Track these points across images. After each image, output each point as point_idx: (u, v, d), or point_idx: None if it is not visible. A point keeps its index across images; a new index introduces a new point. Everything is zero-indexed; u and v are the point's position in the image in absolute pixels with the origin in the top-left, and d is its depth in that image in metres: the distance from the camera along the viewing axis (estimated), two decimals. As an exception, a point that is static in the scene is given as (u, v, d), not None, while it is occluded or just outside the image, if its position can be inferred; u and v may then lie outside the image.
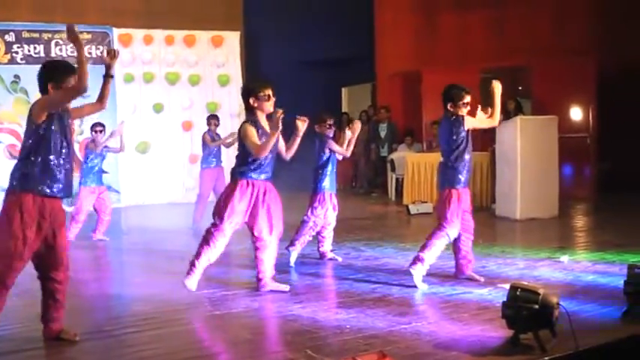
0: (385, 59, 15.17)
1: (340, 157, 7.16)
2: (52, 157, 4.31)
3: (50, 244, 4.40)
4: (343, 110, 17.85)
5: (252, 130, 5.48)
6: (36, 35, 13.68)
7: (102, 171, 9.23)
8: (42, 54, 13.60)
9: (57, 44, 13.79)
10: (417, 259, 5.82)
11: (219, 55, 14.82)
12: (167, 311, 5.27)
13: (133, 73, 14.16)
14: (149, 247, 8.69)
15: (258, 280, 5.73)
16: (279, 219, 5.69)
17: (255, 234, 5.62)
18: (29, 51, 13.57)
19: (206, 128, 10.46)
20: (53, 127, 4.33)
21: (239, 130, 5.65)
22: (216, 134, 10.37)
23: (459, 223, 5.86)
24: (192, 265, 5.59)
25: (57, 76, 4.42)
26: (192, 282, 5.57)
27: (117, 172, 13.73)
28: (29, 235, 4.23)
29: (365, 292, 5.71)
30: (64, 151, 4.38)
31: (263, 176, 5.60)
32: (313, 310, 5.14)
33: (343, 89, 18.35)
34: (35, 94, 13.68)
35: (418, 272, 5.77)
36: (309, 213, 6.99)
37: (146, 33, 14.38)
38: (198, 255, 5.59)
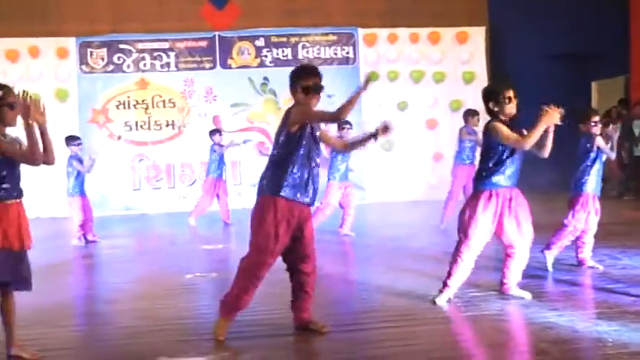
0: (640, 50, 14.15)
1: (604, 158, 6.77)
2: (302, 168, 4.58)
3: (298, 238, 4.67)
4: (593, 106, 16.92)
5: (501, 126, 5.25)
6: (284, 39, 14.59)
7: (347, 168, 9.61)
8: (289, 57, 14.47)
9: (304, 47, 14.56)
10: None
11: (463, 52, 14.74)
12: (421, 309, 5.35)
13: (378, 72, 14.49)
14: (395, 244, 8.87)
15: (502, 284, 5.63)
16: (529, 225, 5.46)
17: (505, 243, 5.49)
18: (277, 54, 14.52)
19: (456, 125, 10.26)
20: (305, 137, 4.59)
21: (486, 130, 5.41)
22: (473, 130, 9.89)
23: None
24: (445, 284, 5.46)
25: (295, 80, 4.70)
26: (443, 300, 5.45)
27: (361, 170, 14.17)
28: (281, 234, 4.54)
29: (625, 304, 5.36)
30: (314, 162, 4.63)
31: (507, 183, 5.35)
32: (570, 319, 4.94)
33: (593, 83, 17.40)
34: (283, 95, 14.71)
35: None
36: (569, 216, 6.65)
37: (391, 32, 14.68)
38: (449, 274, 5.45)
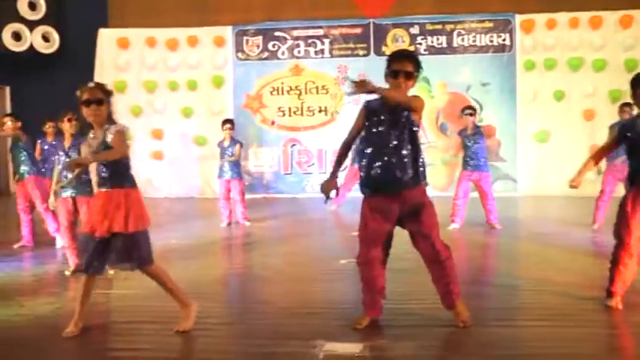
0: None
1: None
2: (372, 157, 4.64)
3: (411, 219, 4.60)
4: None
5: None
6: (439, 27, 14.44)
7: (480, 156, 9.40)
8: (444, 44, 14.29)
9: (459, 34, 14.33)
10: None
11: (627, 37, 13.95)
12: (577, 309, 5.13)
13: (535, 60, 14.06)
14: (547, 238, 8.61)
15: None
16: None
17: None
18: (432, 42, 14.37)
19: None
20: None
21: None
22: None
23: None
24: (611, 292, 5.13)
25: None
26: (614, 303, 5.15)
27: (515, 161, 13.84)
28: (369, 222, 4.71)
29: None
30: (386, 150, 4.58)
31: None
32: None
33: None
34: (436, 84, 14.50)
35: None
36: None
37: (549, 17, 14.14)
38: (612, 280, 5.13)
